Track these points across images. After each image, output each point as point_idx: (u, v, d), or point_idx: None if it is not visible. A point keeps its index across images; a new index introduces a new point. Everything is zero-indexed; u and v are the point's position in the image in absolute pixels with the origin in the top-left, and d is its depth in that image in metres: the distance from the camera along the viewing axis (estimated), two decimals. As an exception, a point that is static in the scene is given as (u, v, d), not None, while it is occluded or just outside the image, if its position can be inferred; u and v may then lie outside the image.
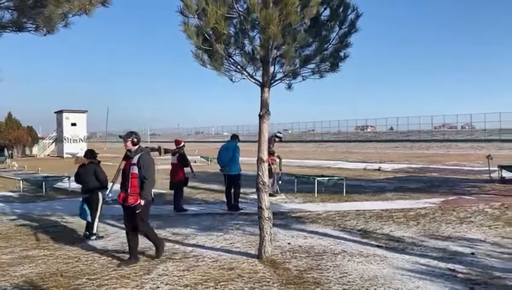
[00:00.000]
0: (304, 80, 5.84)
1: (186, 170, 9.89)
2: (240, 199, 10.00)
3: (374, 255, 6.03)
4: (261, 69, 5.64)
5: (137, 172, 5.60)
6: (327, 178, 12.17)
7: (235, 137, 10.20)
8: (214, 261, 5.78)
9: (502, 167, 14.04)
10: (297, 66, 5.81)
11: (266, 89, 5.65)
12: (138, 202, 5.58)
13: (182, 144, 9.93)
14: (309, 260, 5.82)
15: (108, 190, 7.42)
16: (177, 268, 5.53)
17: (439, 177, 16.26)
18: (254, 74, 5.83)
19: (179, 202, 9.59)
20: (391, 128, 66.77)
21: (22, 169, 20.76)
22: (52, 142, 42.25)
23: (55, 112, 41.03)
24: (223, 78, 5.56)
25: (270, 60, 5.26)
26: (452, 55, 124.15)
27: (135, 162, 5.62)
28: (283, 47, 5.09)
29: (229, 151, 9.81)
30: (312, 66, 5.90)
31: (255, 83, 5.66)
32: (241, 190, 10.06)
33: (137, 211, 5.62)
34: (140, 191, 5.61)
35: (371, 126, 71.86)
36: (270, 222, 5.75)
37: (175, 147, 9.83)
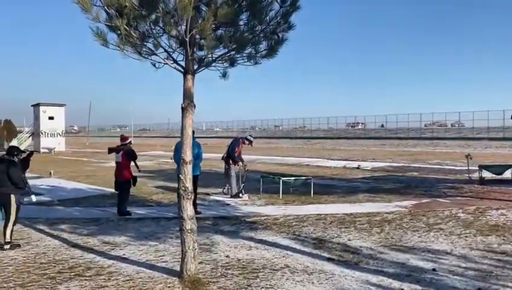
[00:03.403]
0: (234, 66, 4.94)
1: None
2: (197, 201, 9.06)
3: (319, 272, 5.18)
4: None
5: None
6: (293, 178, 11.29)
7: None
8: (127, 281, 4.88)
9: (482, 167, 13.29)
10: (232, 48, 4.91)
11: (189, 77, 4.74)
12: None
13: (129, 140, 8.99)
14: (241, 278, 4.95)
15: (28, 191, 6.57)
16: (80, 289, 4.63)
17: (418, 176, 15.47)
18: (182, 58, 4.93)
19: (122, 205, 8.64)
20: (382, 126, 66.31)
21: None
22: (29, 136, 40.72)
23: (32, 105, 39.50)
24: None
25: (187, 40, 4.33)
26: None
27: None
28: (198, 23, 4.17)
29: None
30: (248, 50, 5.01)
31: (175, 69, 4.75)
32: (200, 190, 9.13)
33: None
34: None
35: (362, 123, 71.32)
36: (194, 234, 4.85)
37: (120, 144, 8.87)
